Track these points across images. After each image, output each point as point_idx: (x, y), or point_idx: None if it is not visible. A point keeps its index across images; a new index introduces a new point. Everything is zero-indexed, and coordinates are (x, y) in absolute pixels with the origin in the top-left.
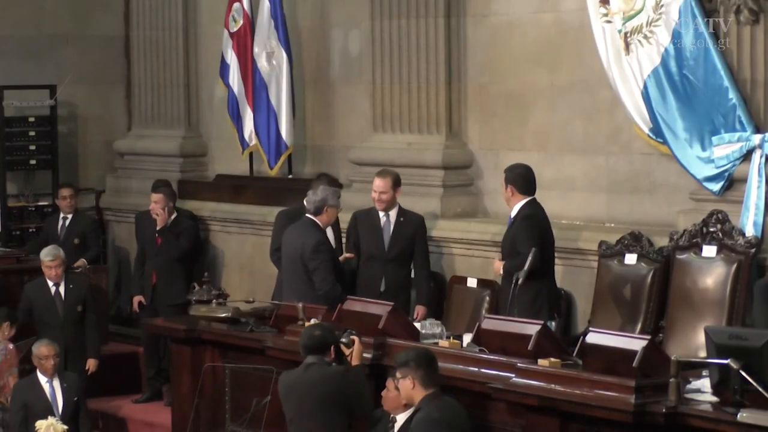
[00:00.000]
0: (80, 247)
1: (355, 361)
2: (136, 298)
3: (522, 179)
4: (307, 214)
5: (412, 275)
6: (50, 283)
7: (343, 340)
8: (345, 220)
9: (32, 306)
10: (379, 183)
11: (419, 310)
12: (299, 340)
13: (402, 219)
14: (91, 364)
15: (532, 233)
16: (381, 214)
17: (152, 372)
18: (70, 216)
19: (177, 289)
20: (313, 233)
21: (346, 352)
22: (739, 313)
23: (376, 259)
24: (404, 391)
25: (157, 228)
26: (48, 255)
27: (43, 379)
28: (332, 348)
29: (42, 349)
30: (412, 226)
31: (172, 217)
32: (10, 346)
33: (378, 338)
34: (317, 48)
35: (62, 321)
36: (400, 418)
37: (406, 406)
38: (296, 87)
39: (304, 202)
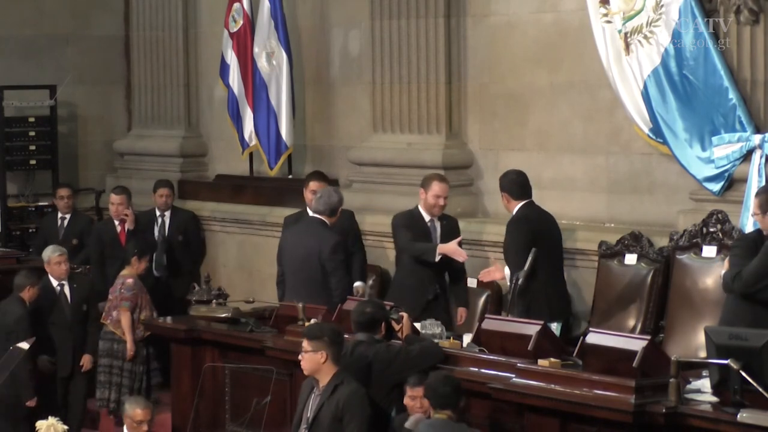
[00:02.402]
0: (78, 247)
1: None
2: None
3: (514, 185)
4: (314, 215)
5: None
6: (55, 283)
7: (393, 316)
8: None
9: (39, 307)
10: (443, 188)
11: (461, 312)
12: (351, 315)
13: (444, 222)
14: (86, 360)
15: (517, 237)
16: (427, 218)
17: None
18: (68, 216)
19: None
20: (329, 234)
21: (396, 327)
22: None
23: (427, 264)
24: (313, 363)
25: (128, 228)
26: (56, 251)
27: None
28: (382, 324)
29: (138, 412)
30: (452, 228)
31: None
32: (130, 280)
33: None
34: (317, 48)
35: (69, 321)
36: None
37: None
38: (296, 87)
39: (312, 203)
